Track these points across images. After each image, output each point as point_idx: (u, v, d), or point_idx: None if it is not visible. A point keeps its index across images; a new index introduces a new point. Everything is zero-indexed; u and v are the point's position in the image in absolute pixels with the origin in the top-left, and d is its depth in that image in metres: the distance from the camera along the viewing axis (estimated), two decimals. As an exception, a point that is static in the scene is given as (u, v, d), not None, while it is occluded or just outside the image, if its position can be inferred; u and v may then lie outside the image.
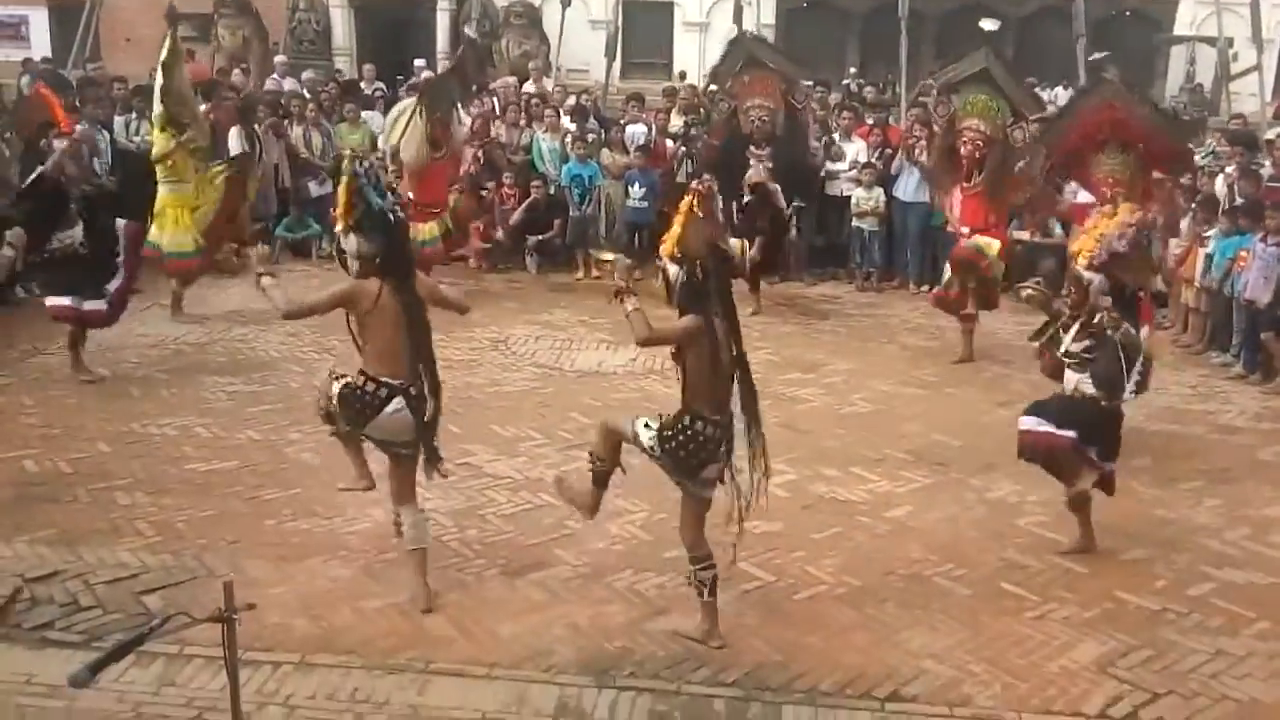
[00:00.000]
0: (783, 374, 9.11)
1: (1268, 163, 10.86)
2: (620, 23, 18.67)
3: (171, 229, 9.69)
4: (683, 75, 20.36)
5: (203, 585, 5.45)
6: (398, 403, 5.24)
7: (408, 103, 11.14)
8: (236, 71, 14.66)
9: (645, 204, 12.02)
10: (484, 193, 12.40)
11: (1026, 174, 9.64)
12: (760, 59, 11.09)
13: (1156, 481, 7.14)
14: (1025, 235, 11.20)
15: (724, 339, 4.91)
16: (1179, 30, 22.78)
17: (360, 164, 5.41)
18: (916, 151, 11.69)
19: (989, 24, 15.38)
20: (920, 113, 12.73)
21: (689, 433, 4.93)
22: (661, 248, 5.16)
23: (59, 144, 9.20)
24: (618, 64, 18.87)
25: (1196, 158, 10.62)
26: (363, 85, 15.36)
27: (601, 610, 5.42)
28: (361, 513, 6.23)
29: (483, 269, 12.35)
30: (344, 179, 5.37)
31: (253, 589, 5.12)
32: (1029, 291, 7.01)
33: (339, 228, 5.37)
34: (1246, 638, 5.35)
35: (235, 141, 10.90)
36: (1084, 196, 8.99)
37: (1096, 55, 17.68)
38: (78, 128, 10.85)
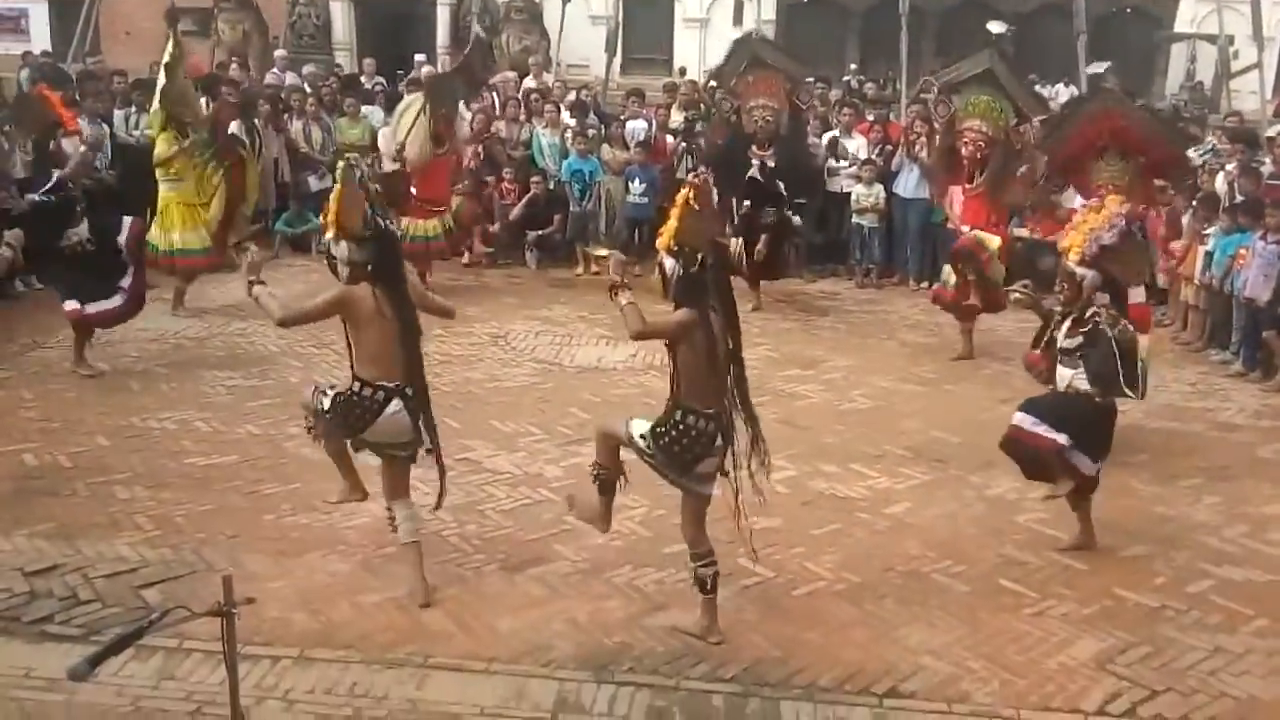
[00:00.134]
0: (782, 370, 9.11)
1: (1268, 160, 10.85)
2: (620, 18, 18.67)
3: (180, 228, 9.69)
4: (683, 71, 20.36)
5: (202, 579, 5.45)
6: (395, 405, 5.26)
7: (413, 98, 11.14)
8: (234, 66, 14.63)
9: (645, 200, 12.01)
10: (486, 189, 12.39)
11: (1028, 176, 9.64)
12: (765, 59, 11.08)
13: (1156, 479, 7.15)
14: (1025, 232, 11.19)
15: (719, 333, 4.91)
16: (1179, 28, 22.79)
17: (355, 171, 5.42)
18: (917, 148, 11.69)
19: (996, 26, 15.39)
20: (921, 109, 12.71)
21: (681, 427, 4.93)
22: (658, 241, 5.12)
23: (67, 144, 9.23)
24: (618, 59, 18.86)
25: (1195, 155, 10.62)
26: (363, 80, 15.34)
27: (601, 605, 5.42)
28: (360, 508, 6.22)
29: (482, 264, 12.34)
30: (337, 186, 5.37)
31: (252, 583, 5.13)
32: (1017, 294, 7.00)
33: (329, 235, 5.36)
34: (1245, 635, 5.36)
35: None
36: (1081, 202, 8.99)
37: (1097, 66, 17.68)
38: (85, 128, 10.88)
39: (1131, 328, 6.31)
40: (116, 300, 8.45)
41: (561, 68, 19.37)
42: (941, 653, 5.13)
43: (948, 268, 9.73)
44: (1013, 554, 6.06)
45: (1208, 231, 9.83)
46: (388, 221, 5.44)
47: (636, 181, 12.12)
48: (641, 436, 5.04)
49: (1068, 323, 6.13)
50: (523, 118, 13.23)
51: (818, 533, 6.26)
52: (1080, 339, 6.01)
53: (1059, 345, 6.11)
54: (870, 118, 12.83)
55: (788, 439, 7.55)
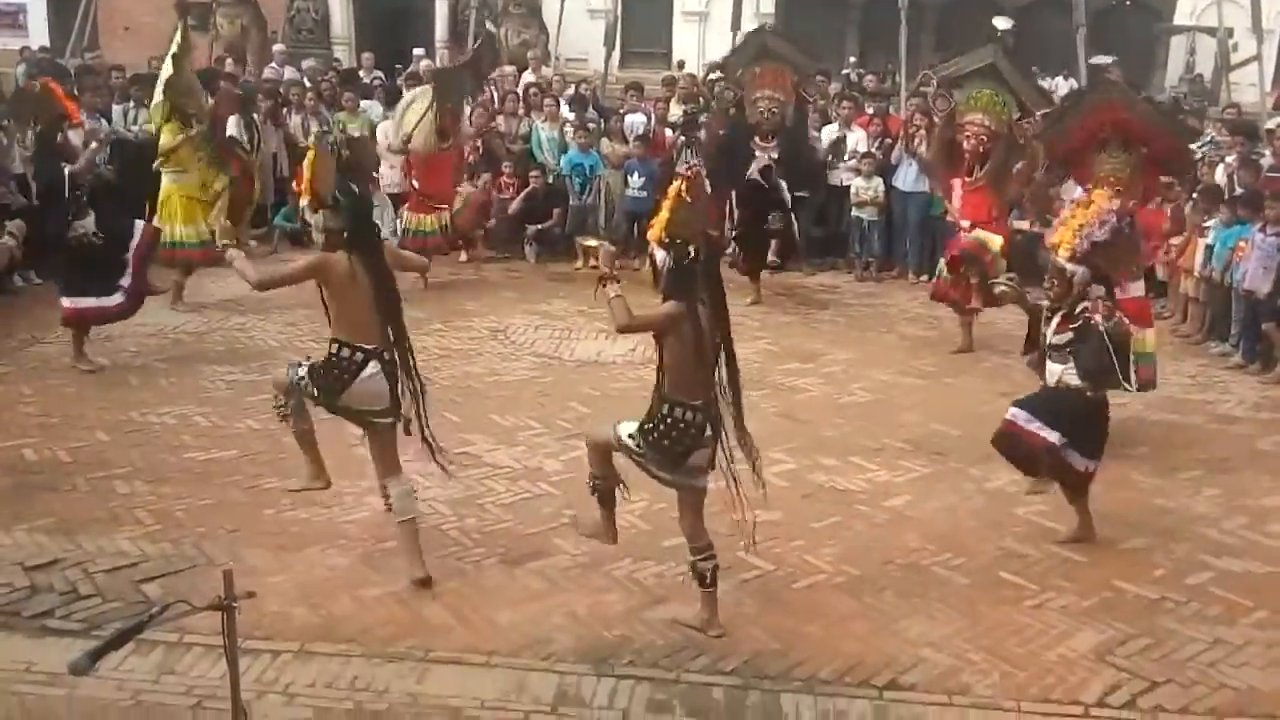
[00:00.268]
0: (782, 364, 9.11)
1: (1268, 153, 10.85)
2: (619, 12, 18.60)
3: (180, 220, 9.68)
4: (681, 64, 20.30)
5: (202, 574, 5.45)
6: (373, 367, 5.32)
7: (419, 91, 11.14)
8: (229, 62, 14.60)
9: (644, 193, 11.99)
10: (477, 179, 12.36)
11: (1027, 170, 9.62)
12: (776, 51, 11.06)
13: (1155, 471, 7.15)
14: (1025, 225, 11.18)
15: (708, 326, 4.89)
16: (1179, 20, 22.73)
17: (327, 138, 5.47)
18: (916, 141, 11.68)
19: (1002, 22, 15.35)
20: (920, 103, 12.70)
21: (669, 421, 4.93)
22: (649, 233, 5.13)
23: (74, 135, 9.23)
24: (617, 53, 18.81)
25: (1195, 148, 10.59)
26: (361, 74, 15.33)
27: (600, 599, 5.42)
28: (359, 502, 6.25)
29: (482, 260, 12.33)
30: (310, 154, 5.41)
31: (252, 577, 5.13)
32: (1002, 288, 6.98)
33: (304, 202, 5.40)
34: (1244, 626, 5.36)
35: (234, 131, 10.90)
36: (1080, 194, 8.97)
37: (1102, 58, 17.63)
38: (89, 123, 10.87)
39: (1126, 321, 6.30)
40: (116, 298, 8.45)
41: (560, 61, 19.32)
42: (941, 645, 5.13)
43: (942, 263, 9.71)
44: (1012, 546, 6.06)
45: (1207, 224, 9.83)
46: (360, 187, 5.48)
47: (636, 175, 12.11)
48: (630, 436, 5.04)
49: (1057, 318, 6.10)
50: (521, 112, 13.22)
51: (817, 526, 6.26)
52: (1070, 334, 5.98)
53: (1048, 341, 6.07)
54: (870, 111, 12.82)
55: (787, 432, 7.56)
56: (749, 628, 5.22)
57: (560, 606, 5.37)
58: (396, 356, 5.39)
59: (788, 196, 10.68)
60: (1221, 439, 7.83)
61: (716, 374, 4.95)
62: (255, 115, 11.72)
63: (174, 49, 9.56)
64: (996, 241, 9.14)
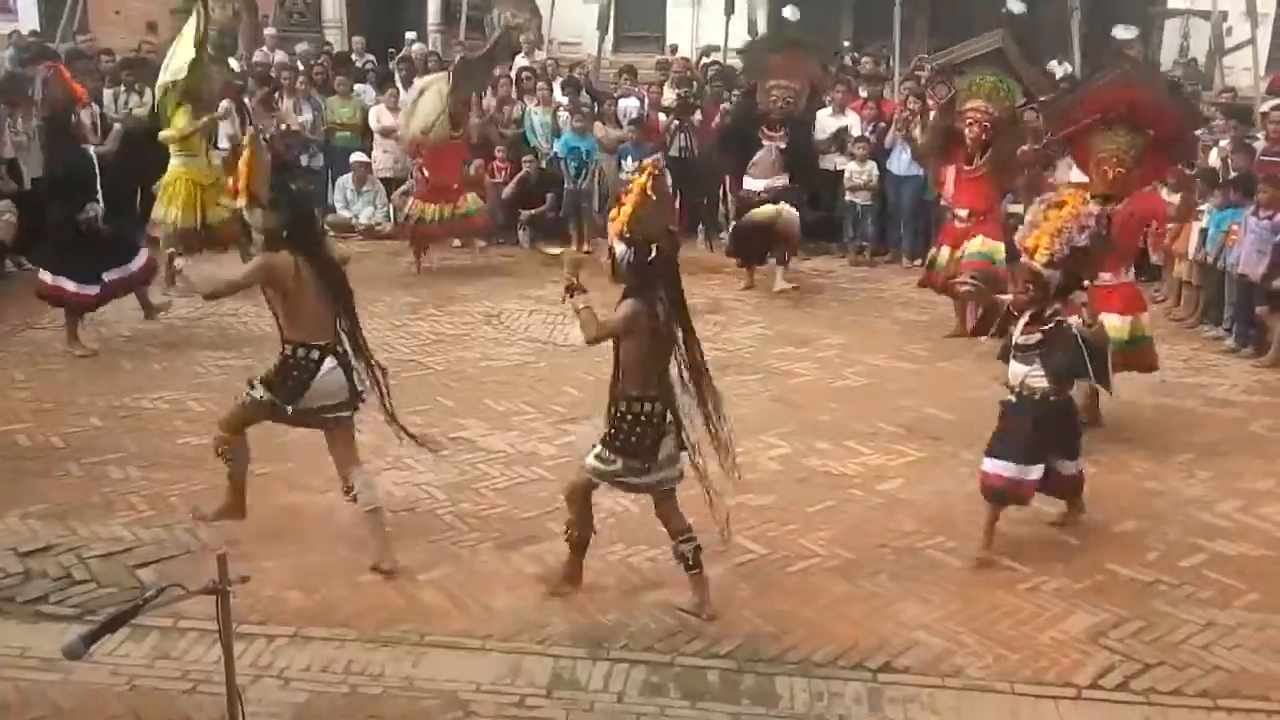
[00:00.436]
0: (775, 348, 9.11)
1: (1261, 136, 10.84)
2: (613, -5, 18.53)
3: (182, 204, 9.61)
4: (674, 49, 20.22)
5: (196, 559, 5.46)
6: (330, 362, 5.34)
7: (430, 79, 11.10)
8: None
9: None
10: (485, 172, 12.34)
11: (1032, 157, 9.49)
12: (801, 40, 10.99)
13: (1148, 454, 7.16)
14: (1020, 209, 11.15)
15: (664, 321, 4.90)
16: (1173, 3, 22.68)
17: (261, 138, 5.44)
18: (910, 125, 11.63)
19: (1015, 5, 15.25)
20: (913, 86, 12.66)
21: (630, 417, 4.95)
22: (610, 225, 5.05)
23: (85, 115, 9.25)
24: (610, 37, 18.75)
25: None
26: (353, 58, 15.26)
27: (595, 583, 5.42)
28: (355, 486, 6.24)
29: (477, 250, 12.31)
30: (245, 153, 5.37)
31: (246, 563, 5.11)
32: (968, 288, 6.86)
33: (240, 202, 5.35)
34: (1237, 609, 5.38)
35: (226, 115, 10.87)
36: (1076, 176, 8.89)
37: (1123, 32, 17.48)
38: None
39: (1105, 326, 6.22)
40: (93, 289, 8.42)
41: (553, 45, 19.24)
42: (935, 628, 5.15)
43: (934, 251, 9.66)
44: (1005, 529, 6.05)
45: (1201, 208, 9.82)
46: (299, 183, 5.45)
47: (629, 160, 12.05)
48: (596, 458, 5.05)
49: (1024, 319, 5.86)
50: (514, 96, 13.17)
51: (812, 509, 6.27)
52: (1039, 336, 5.75)
53: (1014, 341, 5.86)
54: (864, 95, 12.78)
55: (781, 416, 7.57)
56: (743, 611, 5.24)
57: (555, 590, 5.37)
58: (350, 346, 5.40)
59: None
60: (1214, 422, 7.85)
61: (673, 367, 4.96)
62: (245, 99, 11.67)
63: (195, 35, 9.46)
64: (1000, 249, 8.96)
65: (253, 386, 5.45)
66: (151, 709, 4.46)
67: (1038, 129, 9.53)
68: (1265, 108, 11.76)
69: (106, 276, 8.45)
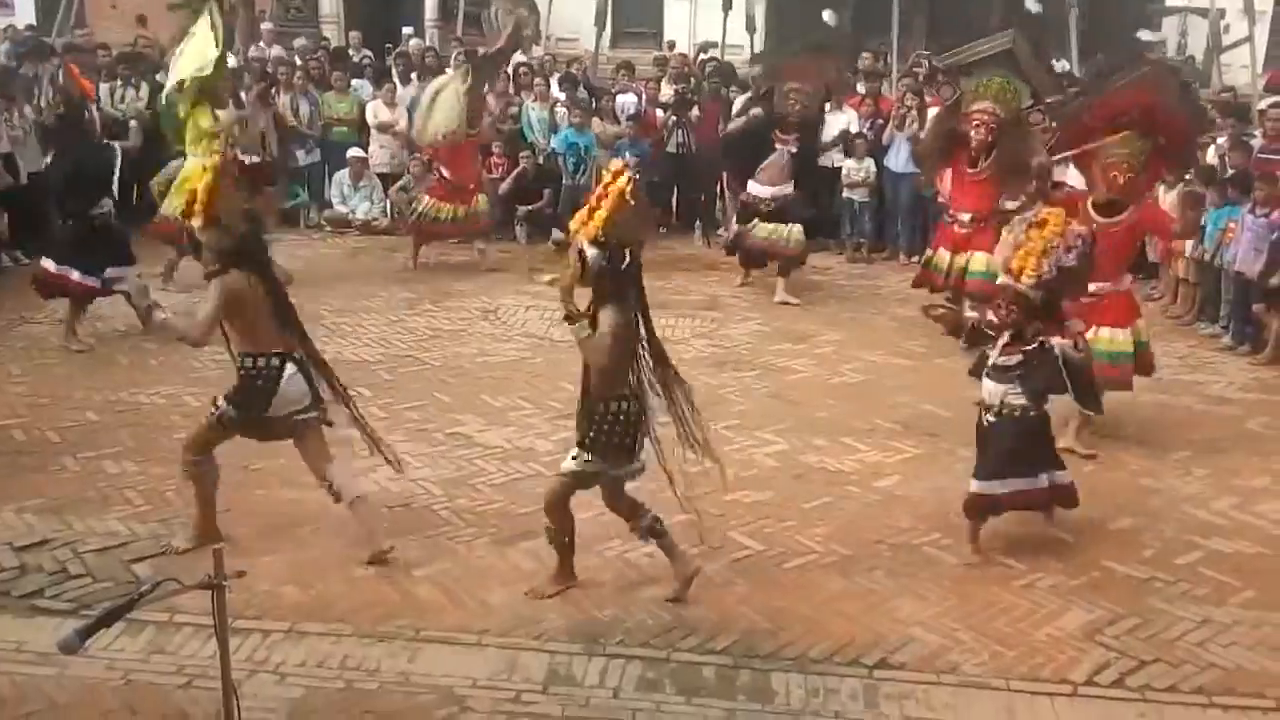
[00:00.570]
0: (773, 344, 9.11)
1: (1258, 134, 10.84)
2: (610, -9, 18.54)
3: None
4: (672, 45, 20.21)
5: (192, 554, 5.44)
6: (290, 368, 5.38)
7: (446, 78, 11.07)
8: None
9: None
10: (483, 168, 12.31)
11: (1046, 166, 9.37)
12: (824, 43, 10.94)
13: (1145, 452, 7.17)
14: (1014, 206, 11.13)
15: (637, 325, 4.91)
16: (1171, 2, 22.69)
17: (228, 157, 5.45)
18: (907, 122, 11.62)
19: (1033, 4, 15.22)
20: (911, 82, 12.64)
21: (610, 417, 4.94)
22: (583, 229, 4.87)
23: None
24: (608, 33, 18.74)
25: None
26: (350, 53, 15.23)
27: (591, 579, 5.42)
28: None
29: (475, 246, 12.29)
30: (207, 176, 5.38)
31: (242, 557, 5.10)
32: (940, 311, 6.83)
33: (195, 222, 5.33)
34: (1233, 606, 5.38)
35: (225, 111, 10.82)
36: (1073, 179, 8.83)
37: (1147, 35, 17.42)
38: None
39: (1090, 349, 6.18)
40: (93, 280, 8.41)
41: (551, 41, 19.24)
42: (931, 624, 5.15)
43: (930, 252, 9.63)
44: (1001, 526, 6.05)
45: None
46: (254, 209, 5.52)
47: (627, 155, 12.02)
48: (573, 459, 5.06)
49: (1004, 339, 5.76)
50: (511, 91, 13.15)
51: (808, 506, 6.27)
52: (1020, 357, 5.67)
53: (991, 362, 5.76)
54: (861, 91, 12.77)
55: (778, 413, 7.57)
56: (740, 607, 5.24)
57: (551, 586, 5.37)
58: (306, 354, 5.46)
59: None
60: (1211, 420, 7.85)
61: (643, 366, 4.98)
62: (243, 95, 11.63)
63: (214, 35, 9.40)
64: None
65: (218, 406, 5.47)
66: (147, 704, 4.46)
67: (1045, 130, 9.43)
68: (1263, 105, 11.76)
69: (108, 273, 8.44)
